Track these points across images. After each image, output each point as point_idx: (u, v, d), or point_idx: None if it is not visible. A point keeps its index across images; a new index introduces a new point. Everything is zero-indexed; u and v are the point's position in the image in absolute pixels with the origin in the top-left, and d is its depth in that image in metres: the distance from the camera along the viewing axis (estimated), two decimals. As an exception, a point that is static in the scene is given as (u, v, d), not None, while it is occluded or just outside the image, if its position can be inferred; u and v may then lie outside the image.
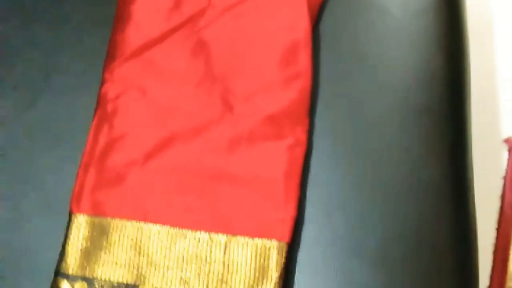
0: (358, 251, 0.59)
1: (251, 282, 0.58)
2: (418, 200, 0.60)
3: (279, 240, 0.58)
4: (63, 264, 0.59)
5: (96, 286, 0.59)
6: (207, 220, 0.60)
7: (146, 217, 0.60)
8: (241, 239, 0.59)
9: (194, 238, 0.60)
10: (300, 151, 0.62)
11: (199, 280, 0.58)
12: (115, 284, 0.59)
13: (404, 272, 0.59)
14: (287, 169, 0.61)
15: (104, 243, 0.60)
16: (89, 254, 0.59)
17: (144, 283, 0.59)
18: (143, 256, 0.59)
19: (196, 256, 0.59)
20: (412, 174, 0.61)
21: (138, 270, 0.59)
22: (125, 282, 0.59)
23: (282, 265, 0.58)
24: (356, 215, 0.60)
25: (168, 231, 0.60)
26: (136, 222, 0.60)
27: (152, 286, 0.59)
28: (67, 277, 0.59)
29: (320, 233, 0.60)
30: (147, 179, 0.61)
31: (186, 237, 0.60)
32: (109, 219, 0.60)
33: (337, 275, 0.59)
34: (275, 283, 0.58)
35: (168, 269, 0.59)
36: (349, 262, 0.59)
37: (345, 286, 0.59)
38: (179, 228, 0.60)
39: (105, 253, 0.60)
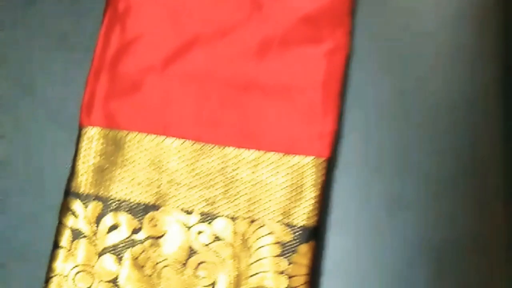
0: (404, 168, 0.53)
1: (284, 204, 0.53)
2: (469, 108, 0.55)
3: (316, 157, 0.53)
4: (74, 183, 0.54)
5: (112, 206, 0.53)
6: (235, 135, 0.54)
7: (166, 131, 0.54)
8: (273, 156, 0.54)
9: (220, 155, 0.54)
10: (340, 57, 0.55)
11: (226, 200, 0.53)
12: (133, 204, 0.53)
13: (454, 190, 0.53)
14: (325, 77, 0.54)
15: (120, 159, 0.54)
16: (103, 171, 0.54)
17: (165, 204, 0.54)
18: (164, 173, 0.53)
19: (223, 174, 0.54)
20: (463, 81, 0.55)
21: (158, 189, 0.54)
22: (144, 202, 0.53)
23: (320, 184, 0.52)
24: (402, 128, 0.54)
25: (191, 146, 0.54)
26: (155, 136, 0.54)
27: (174, 207, 0.54)
28: (79, 196, 0.54)
29: (362, 149, 0.54)
30: (166, 87, 0.54)
31: (211, 153, 0.54)
32: (124, 132, 0.54)
33: (382, 193, 0.54)
34: (312, 204, 0.52)
35: (191, 188, 0.54)
36: (395, 180, 0.54)
37: (389, 205, 0.54)
38: (203, 143, 0.54)
39: (121, 170, 0.54)
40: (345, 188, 0.54)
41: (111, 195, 0.54)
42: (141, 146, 0.54)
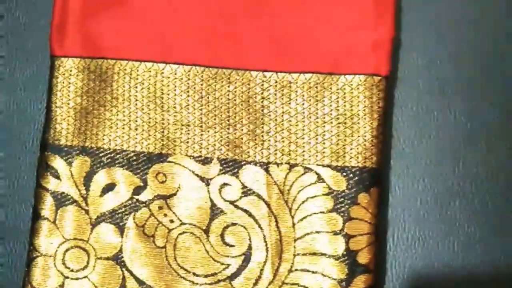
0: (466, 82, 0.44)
1: (333, 140, 0.42)
2: None
3: (371, 74, 0.42)
4: (51, 132, 0.44)
5: (104, 160, 0.43)
6: (259, 53, 0.43)
7: (166, 55, 0.43)
8: (312, 78, 0.43)
9: (242, 81, 0.44)
10: None
11: (254, 141, 0.43)
12: (132, 156, 0.43)
13: None
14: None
15: (108, 97, 0.44)
16: (86, 114, 0.44)
17: (174, 152, 0.43)
18: (168, 112, 0.43)
19: (247, 108, 0.43)
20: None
21: (162, 133, 0.43)
22: (145, 151, 0.43)
23: (379, 112, 0.42)
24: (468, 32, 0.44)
25: (202, 73, 0.44)
26: (152, 63, 0.44)
27: (186, 155, 0.43)
28: (59, 150, 0.43)
29: (423, 62, 0.44)
30: (163, -3, 0.45)
31: (229, 81, 0.43)
32: (111, 61, 0.44)
33: (444, 108, 0.44)
34: (370, 138, 0.41)
35: (206, 129, 0.43)
36: (455, 98, 0.44)
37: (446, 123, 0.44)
38: (217, 67, 0.43)
39: (110, 112, 0.44)
40: (411, 115, 0.44)
41: (101, 146, 0.44)
42: (135, 79, 0.44)
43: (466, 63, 0.45)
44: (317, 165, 0.42)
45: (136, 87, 0.44)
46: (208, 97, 0.44)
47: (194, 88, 0.44)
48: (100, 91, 0.44)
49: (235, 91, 0.43)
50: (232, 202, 0.43)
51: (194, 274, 0.42)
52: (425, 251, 0.43)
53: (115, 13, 0.44)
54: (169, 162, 0.43)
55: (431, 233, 0.44)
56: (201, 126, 0.43)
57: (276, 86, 0.43)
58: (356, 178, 0.42)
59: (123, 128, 0.44)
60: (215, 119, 0.43)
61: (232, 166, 0.43)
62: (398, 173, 0.44)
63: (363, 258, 0.41)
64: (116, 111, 0.44)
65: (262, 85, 0.43)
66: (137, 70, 0.44)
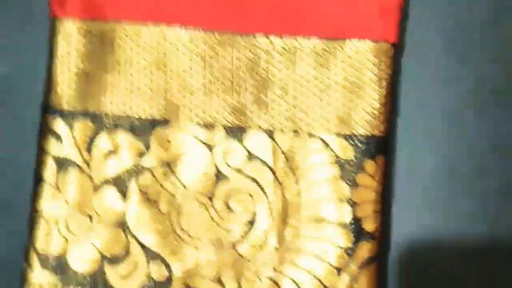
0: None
1: (339, 107, 0.42)
2: None
3: (378, 40, 0.42)
4: (53, 95, 0.43)
5: (106, 124, 0.43)
6: (262, 16, 0.43)
7: (169, 17, 0.43)
8: (317, 43, 0.43)
9: (245, 45, 0.43)
10: None
11: (259, 107, 0.43)
12: (134, 121, 0.43)
13: None
14: None
15: (110, 60, 0.43)
16: (89, 79, 0.43)
17: (177, 117, 0.43)
18: (171, 77, 0.43)
19: (252, 73, 0.43)
20: None
21: (165, 98, 0.43)
22: (148, 116, 0.43)
23: (386, 80, 0.42)
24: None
25: (205, 36, 0.44)
26: (155, 26, 0.43)
27: (190, 120, 0.44)
28: (61, 114, 0.44)
29: (430, 31, 0.44)
30: (165, -43, 0.43)
31: (233, 45, 0.43)
32: (112, 23, 0.44)
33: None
34: (377, 106, 0.41)
35: (211, 93, 0.43)
36: (462, 67, 0.44)
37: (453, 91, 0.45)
38: (221, 31, 0.44)
39: (112, 76, 0.43)
40: (414, 77, 0.44)
41: (104, 110, 0.44)
42: (137, 42, 0.43)
43: (474, 31, 0.44)
44: (324, 132, 0.42)
45: (138, 49, 0.43)
46: (212, 63, 0.43)
47: (198, 53, 0.43)
48: (101, 55, 0.43)
49: (240, 57, 0.43)
50: (236, 169, 0.43)
51: (198, 240, 0.43)
52: (431, 220, 0.44)
53: (116, -27, 0.44)
54: (173, 127, 0.43)
55: (437, 202, 0.44)
56: (205, 91, 0.43)
57: (281, 51, 0.43)
58: (363, 146, 0.42)
59: (125, 93, 0.43)
60: (219, 84, 0.43)
61: (236, 132, 0.43)
62: (404, 141, 0.44)
63: (369, 225, 0.42)
64: (117, 75, 0.43)
65: (267, 50, 0.43)
66: (140, 33, 0.43)
